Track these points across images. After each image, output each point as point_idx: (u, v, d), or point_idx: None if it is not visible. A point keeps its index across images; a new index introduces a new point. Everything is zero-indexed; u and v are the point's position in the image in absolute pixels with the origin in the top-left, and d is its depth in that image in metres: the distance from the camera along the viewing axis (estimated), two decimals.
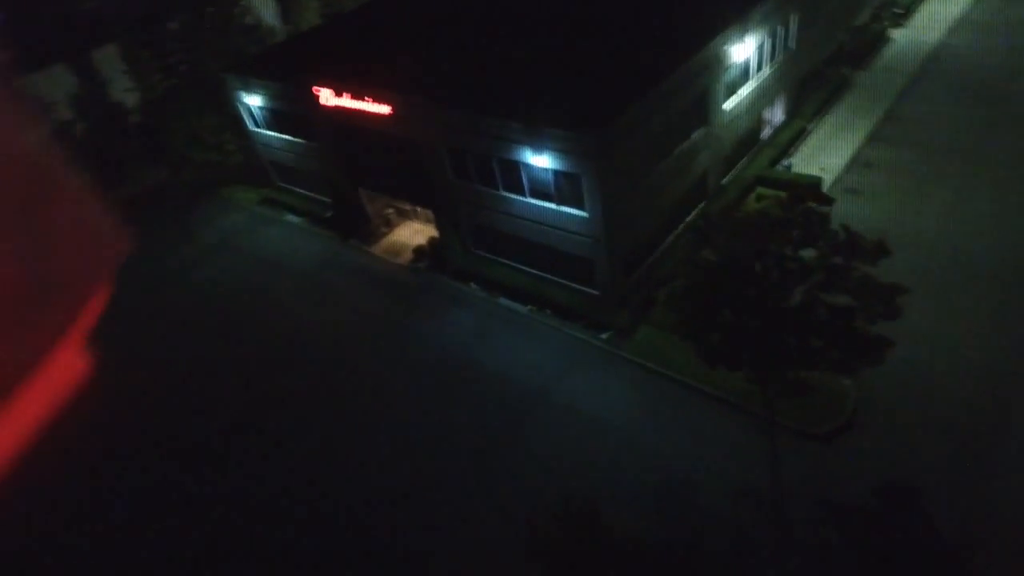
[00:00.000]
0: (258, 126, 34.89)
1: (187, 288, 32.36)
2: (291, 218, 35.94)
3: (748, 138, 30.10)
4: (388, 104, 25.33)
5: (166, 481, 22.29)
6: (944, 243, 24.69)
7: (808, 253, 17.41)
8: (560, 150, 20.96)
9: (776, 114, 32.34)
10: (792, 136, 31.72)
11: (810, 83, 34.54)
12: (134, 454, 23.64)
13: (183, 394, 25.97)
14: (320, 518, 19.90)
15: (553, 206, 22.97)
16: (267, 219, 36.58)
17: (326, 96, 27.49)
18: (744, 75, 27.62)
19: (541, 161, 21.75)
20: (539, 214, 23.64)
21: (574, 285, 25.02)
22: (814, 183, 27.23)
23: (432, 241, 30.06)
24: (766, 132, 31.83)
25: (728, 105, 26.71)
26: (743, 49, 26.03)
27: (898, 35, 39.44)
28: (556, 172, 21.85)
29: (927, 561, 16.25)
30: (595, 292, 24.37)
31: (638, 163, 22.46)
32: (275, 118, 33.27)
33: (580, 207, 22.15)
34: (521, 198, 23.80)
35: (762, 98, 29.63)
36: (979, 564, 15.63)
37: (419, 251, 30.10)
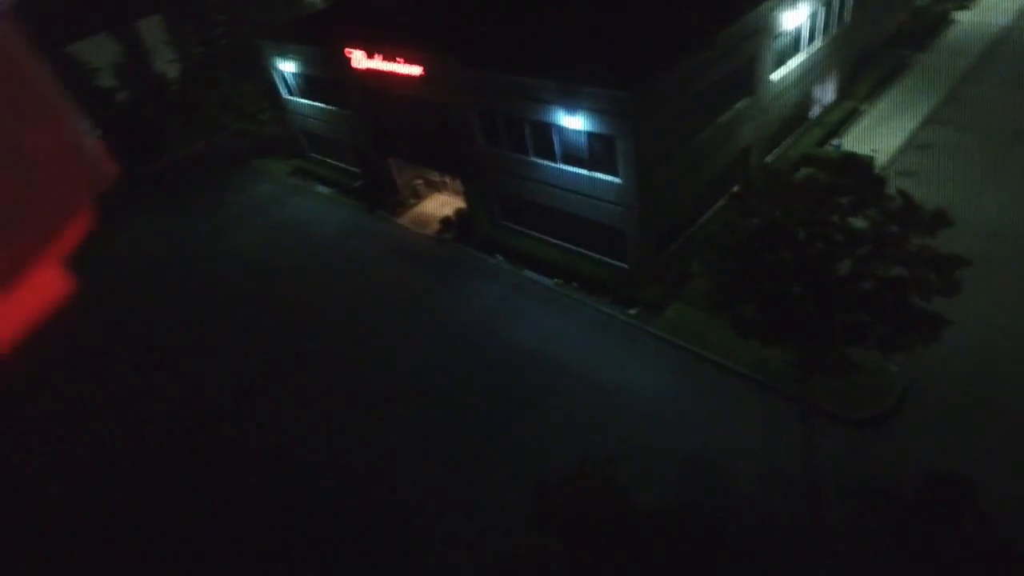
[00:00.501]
0: (291, 94, 34.70)
1: (213, 252, 32.36)
2: (321, 188, 35.71)
3: (796, 115, 28.53)
4: (419, 65, 24.65)
5: (183, 436, 22.10)
6: (1007, 229, 22.84)
7: (859, 223, 16.12)
8: (595, 109, 19.92)
9: (827, 93, 30.63)
10: (843, 116, 29.99)
11: (865, 63, 32.69)
12: (150, 408, 23.57)
13: (204, 353, 25.83)
14: (331, 476, 19.37)
15: (585, 172, 21.94)
16: (297, 189, 36.45)
17: (358, 58, 26.98)
18: (794, 46, 26.10)
19: (574, 123, 20.75)
20: (570, 181, 22.64)
21: (603, 258, 23.96)
22: (865, 164, 25.56)
23: (459, 212, 29.34)
24: (815, 111, 30.17)
25: (776, 76, 25.25)
26: (794, 16, 24.54)
27: (963, 17, 37.09)
28: (590, 135, 20.82)
29: (975, 557, 14.80)
30: (625, 266, 23.27)
31: (676, 129, 21.27)
32: (308, 84, 32.99)
33: (613, 173, 21.08)
34: (552, 164, 22.84)
35: (812, 73, 28.02)
36: None
37: (446, 222, 29.42)
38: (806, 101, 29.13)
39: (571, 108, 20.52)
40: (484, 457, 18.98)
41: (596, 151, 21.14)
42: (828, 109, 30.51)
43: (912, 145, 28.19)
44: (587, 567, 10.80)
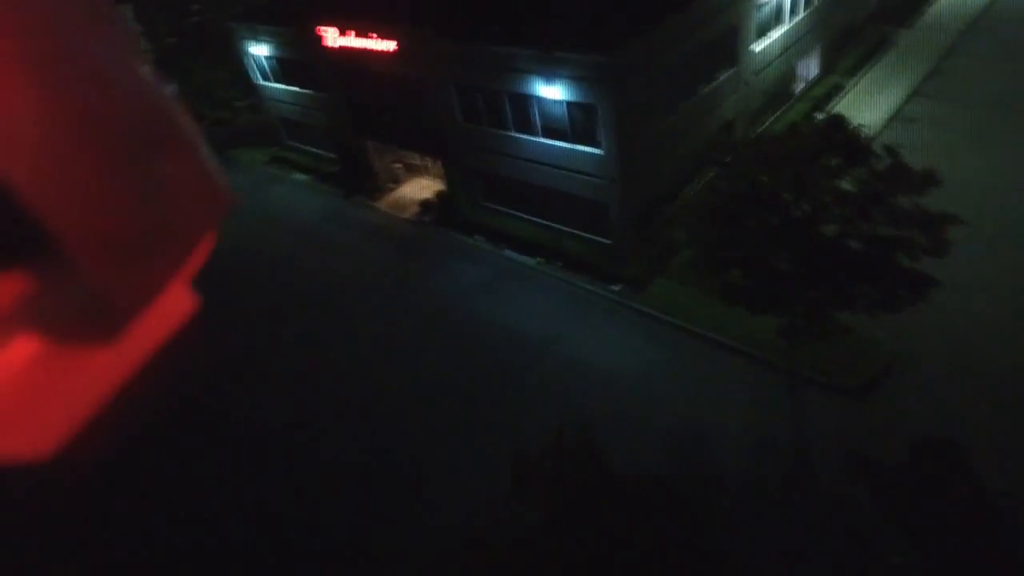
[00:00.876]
0: (265, 79, 33.81)
1: None
2: (298, 176, 34.87)
3: (779, 90, 28.11)
4: (394, 39, 23.91)
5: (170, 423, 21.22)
6: (994, 196, 22.55)
7: (846, 185, 15.70)
8: (574, 77, 19.31)
9: (810, 68, 30.27)
10: (827, 91, 29.63)
11: (848, 39, 32.37)
12: (123, 401, 22.65)
13: (177, 343, 24.92)
14: (306, 457, 18.63)
15: (566, 145, 21.33)
16: (274, 178, 35.58)
17: (330, 37, 26.19)
18: (777, 17, 25.65)
19: (554, 92, 20.13)
20: (551, 155, 22.02)
21: (586, 235, 23.35)
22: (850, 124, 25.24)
23: (439, 195, 28.64)
24: (799, 87, 29.78)
25: (758, 47, 24.77)
26: None
27: None
28: (570, 105, 20.21)
29: (968, 517, 14.36)
30: (608, 241, 22.68)
31: (658, 98, 20.70)
32: (281, 68, 32.14)
33: (595, 144, 20.49)
34: (532, 138, 22.21)
35: (795, 46, 27.60)
36: None
37: (425, 205, 28.72)
38: (789, 76, 28.73)
39: (550, 77, 19.90)
40: (460, 438, 18.30)
41: (577, 122, 20.54)
42: (812, 84, 30.16)
43: (897, 119, 27.88)
44: (567, 537, 10.18)
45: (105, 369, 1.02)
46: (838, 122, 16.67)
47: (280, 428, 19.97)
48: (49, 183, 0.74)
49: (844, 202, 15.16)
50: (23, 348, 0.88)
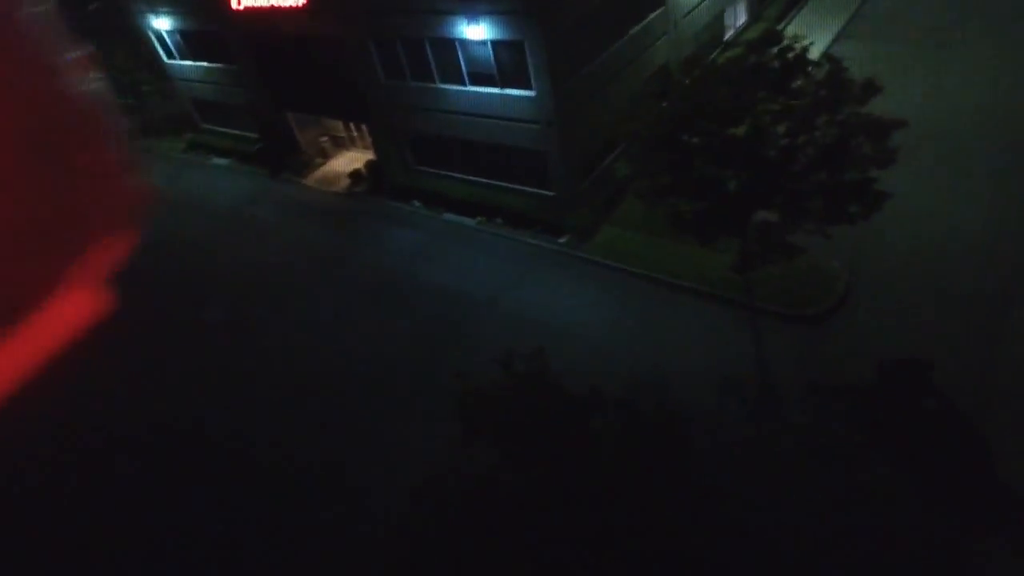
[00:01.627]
0: (172, 56, 31.28)
1: None
2: (219, 160, 32.52)
3: (710, 37, 27.66)
4: None
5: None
6: (929, 124, 22.60)
7: (790, 99, 15.16)
8: (499, 12, 18.10)
9: (739, 15, 30.06)
10: (758, 37, 29.41)
11: None
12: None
13: (99, 334, 22.54)
14: (248, 439, 16.90)
15: (497, 91, 20.12)
16: (193, 164, 33.12)
17: None
18: None
19: (479, 32, 18.87)
20: (482, 104, 20.77)
21: (528, 188, 22.23)
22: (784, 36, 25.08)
23: (370, 164, 27.03)
24: (729, 35, 29.50)
25: None
26: None
27: None
28: (497, 44, 18.99)
29: (938, 432, 14.00)
30: (551, 193, 21.63)
31: (588, 35, 19.72)
32: (189, 41, 29.73)
33: (527, 86, 19.35)
34: (461, 87, 20.91)
35: None
36: (995, 428, 13.48)
37: (356, 175, 27.05)
38: (719, 23, 28.38)
39: (473, 14, 18.63)
40: (407, 401, 16.96)
41: (506, 63, 19.35)
42: (741, 31, 29.94)
43: (827, 59, 27.87)
44: (528, 472, 9.06)
45: None
46: (773, 34, 16.13)
47: (203, 415, 18.13)
48: None
49: (787, 116, 14.61)
50: None
